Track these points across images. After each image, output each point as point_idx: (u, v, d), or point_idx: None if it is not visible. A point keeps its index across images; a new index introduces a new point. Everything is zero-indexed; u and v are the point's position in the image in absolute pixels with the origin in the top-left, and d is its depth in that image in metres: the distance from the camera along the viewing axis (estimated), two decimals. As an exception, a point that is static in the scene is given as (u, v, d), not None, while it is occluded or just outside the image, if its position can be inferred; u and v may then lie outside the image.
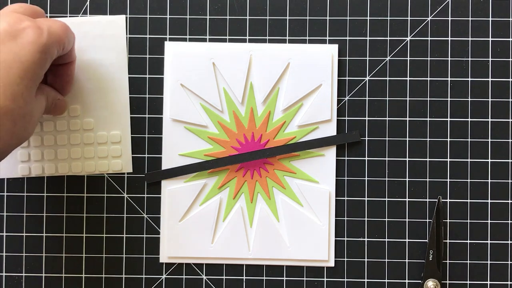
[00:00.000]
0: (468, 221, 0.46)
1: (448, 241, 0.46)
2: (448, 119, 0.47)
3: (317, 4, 0.47)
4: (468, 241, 0.46)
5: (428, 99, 0.47)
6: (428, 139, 0.47)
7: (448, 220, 0.46)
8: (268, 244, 0.46)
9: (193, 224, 0.46)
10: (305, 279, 0.46)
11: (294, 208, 0.46)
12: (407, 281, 0.46)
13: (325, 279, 0.46)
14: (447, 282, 0.46)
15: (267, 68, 0.46)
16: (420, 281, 0.46)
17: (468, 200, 0.46)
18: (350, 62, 0.47)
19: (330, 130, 0.46)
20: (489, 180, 0.46)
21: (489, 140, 0.46)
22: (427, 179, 0.46)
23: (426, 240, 0.46)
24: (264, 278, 0.47)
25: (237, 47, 0.47)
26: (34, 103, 0.38)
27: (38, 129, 0.47)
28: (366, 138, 0.47)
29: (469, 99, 0.47)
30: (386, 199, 0.46)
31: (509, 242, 0.46)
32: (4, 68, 0.35)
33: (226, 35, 0.47)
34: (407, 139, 0.47)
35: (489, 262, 0.46)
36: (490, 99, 0.46)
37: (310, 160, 0.47)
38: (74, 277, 0.47)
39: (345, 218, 0.47)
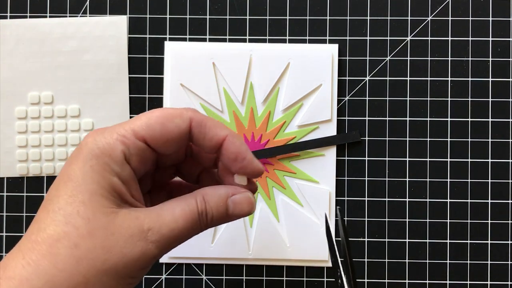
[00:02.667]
0: (468, 221, 0.46)
1: (448, 241, 0.46)
2: (448, 119, 0.47)
3: (317, 4, 0.47)
4: (468, 241, 0.46)
5: (428, 99, 0.47)
6: (428, 139, 0.47)
7: (448, 220, 0.46)
8: (268, 244, 0.46)
9: (193, 224, 0.46)
10: (305, 279, 0.46)
11: (294, 208, 0.46)
12: (407, 281, 0.46)
13: (325, 279, 0.46)
14: (447, 282, 0.46)
15: (267, 68, 0.46)
16: (420, 281, 0.46)
17: (468, 200, 0.46)
18: (350, 62, 0.47)
19: (330, 130, 0.46)
20: (489, 180, 0.46)
21: (489, 140, 0.46)
22: (427, 179, 0.46)
23: (427, 240, 0.46)
24: (264, 278, 0.46)
25: (237, 47, 0.46)
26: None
27: (36, 129, 0.46)
28: (366, 138, 0.47)
29: (469, 99, 0.47)
30: (386, 199, 0.46)
31: (509, 242, 0.46)
32: None
33: (226, 35, 0.47)
34: (407, 139, 0.47)
35: (489, 262, 0.46)
36: (490, 99, 0.46)
37: (310, 160, 0.46)
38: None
39: (345, 218, 0.46)
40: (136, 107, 0.47)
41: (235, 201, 0.30)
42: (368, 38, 0.47)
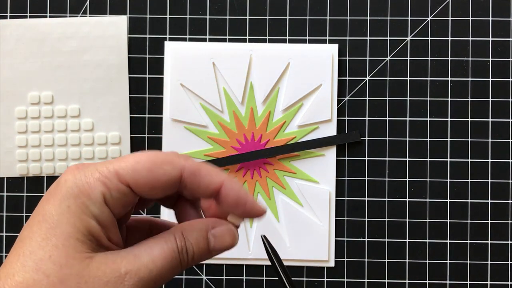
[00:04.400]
0: (468, 221, 0.46)
1: (448, 241, 0.46)
2: (448, 119, 0.47)
3: (317, 4, 0.47)
4: (468, 241, 0.46)
5: (428, 99, 0.47)
6: (428, 139, 0.47)
7: (448, 220, 0.46)
8: (268, 244, 0.46)
9: (193, 224, 0.46)
10: (305, 279, 0.46)
11: (294, 208, 0.46)
12: (407, 281, 0.46)
13: (325, 279, 0.46)
14: (447, 282, 0.46)
15: (267, 68, 0.46)
16: (420, 281, 0.46)
17: (468, 200, 0.46)
18: (350, 62, 0.47)
19: (330, 130, 0.46)
20: (489, 180, 0.46)
21: (489, 140, 0.46)
22: (427, 179, 0.46)
23: (427, 240, 0.46)
24: (264, 278, 0.46)
25: (237, 47, 0.46)
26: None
27: (36, 129, 0.46)
28: (366, 138, 0.47)
29: (469, 99, 0.47)
30: (386, 199, 0.46)
31: (509, 242, 0.46)
32: None
33: (226, 35, 0.47)
34: (407, 139, 0.47)
35: (489, 262, 0.46)
36: (490, 99, 0.46)
37: (310, 160, 0.46)
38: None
39: (345, 218, 0.46)
40: (136, 107, 0.47)
41: (215, 234, 0.28)
42: (368, 38, 0.47)
